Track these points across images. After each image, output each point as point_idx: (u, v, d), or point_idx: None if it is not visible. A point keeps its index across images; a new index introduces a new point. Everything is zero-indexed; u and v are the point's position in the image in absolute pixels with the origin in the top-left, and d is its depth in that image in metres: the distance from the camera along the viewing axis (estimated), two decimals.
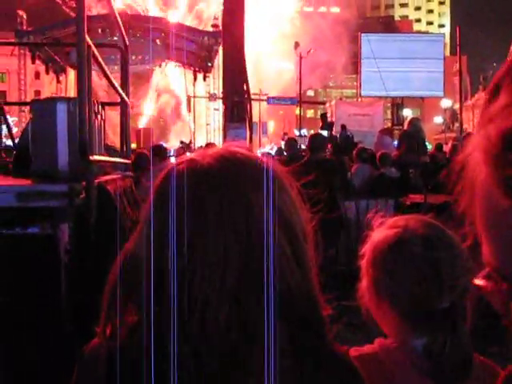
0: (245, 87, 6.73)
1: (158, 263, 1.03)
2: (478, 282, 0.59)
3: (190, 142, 26.47)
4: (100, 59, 3.60)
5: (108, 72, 3.92)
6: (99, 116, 4.00)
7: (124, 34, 5.00)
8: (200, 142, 33.20)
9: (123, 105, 5.24)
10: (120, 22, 4.80)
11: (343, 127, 12.89)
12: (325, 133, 13.54)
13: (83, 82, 3.02)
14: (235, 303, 0.98)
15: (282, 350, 0.98)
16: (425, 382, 1.51)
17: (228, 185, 1.02)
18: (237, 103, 6.39)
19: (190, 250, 0.99)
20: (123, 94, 4.88)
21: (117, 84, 4.67)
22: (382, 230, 1.62)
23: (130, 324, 1.10)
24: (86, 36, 2.97)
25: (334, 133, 15.05)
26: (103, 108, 4.65)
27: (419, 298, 1.52)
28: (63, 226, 3.20)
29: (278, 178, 1.09)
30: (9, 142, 9.77)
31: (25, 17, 29.41)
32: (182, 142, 23.59)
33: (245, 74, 6.85)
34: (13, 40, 24.87)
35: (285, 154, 11.30)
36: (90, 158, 3.26)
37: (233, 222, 1.00)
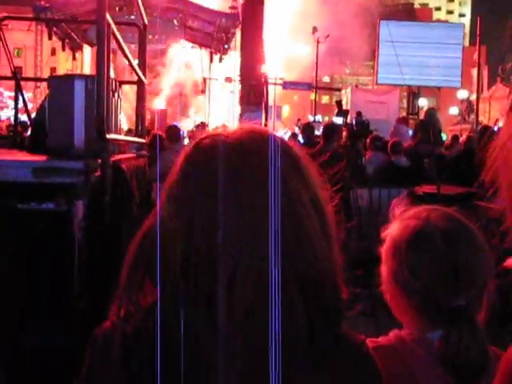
0: (262, 71, 6.72)
1: (186, 239, 1.01)
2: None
3: (204, 123, 26.45)
4: (119, 37, 3.59)
5: (127, 51, 3.92)
6: (116, 94, 4.00)
7: (143, 13, 4.98)
8: (215, 123, 33.19)
9: (140, 84, 5.23)
10: (139, 1, 4.78)
11: (359, 113, 12.81)
12: (340, 119, 13.47)
13: (102, 60, 3.02)
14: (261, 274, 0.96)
15: (297, 329, 0.98)
16: (444, 375, 1.51)
17: (262, 157, 1.01)
18: (253, 87, 6.37)
19: (222, 226, 0.97)
20: (140, 74, 4.87)
21: (134, 63, 4.67)
22: (404, 219, 1.62)
23: (147, 306, 1.06)
24: (107, 14, 2.96)
25: (348, 120, 14.97)
26: (120, 86, 4.65)
27: (436, 294, 1.53)
28: (78, 202, 3.22)
29: (302, 155, 1.09)
30: (24, 118, 9.81)
31: None
32: (198, 125, 23.60)
33: (263, 58, 6.82)
34: (30, 15, 24.83)
35: (300, 139, 11.26)
36: (106, 136, 3.27)
37: (268, 195, 0.98)
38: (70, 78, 3.67)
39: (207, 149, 1.04)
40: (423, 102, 40.63)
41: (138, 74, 4.85)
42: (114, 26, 3.29)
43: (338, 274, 1.08)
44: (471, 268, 1.51)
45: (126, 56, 4.02)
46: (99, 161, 3.37)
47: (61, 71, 60.40)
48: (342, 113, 15.56)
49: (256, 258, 0.95)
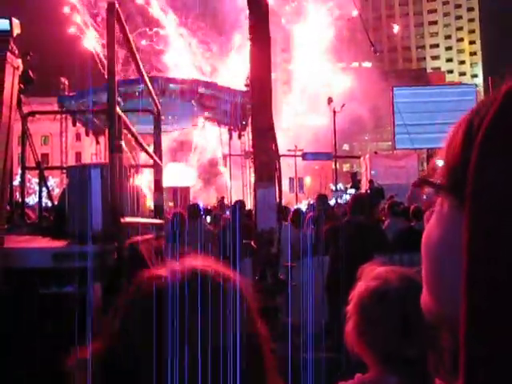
0: (273, 146, 6.92)
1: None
2: None
3: (223, 198, 26.78)
4: (131, 127, 3.82)
5: (140, 139, 4.15)
6: (131, 179, 4.21)
7: (156, 100, 5.26)
8: (235, 197, 33.56)
9: (156, 167, 5.47)
10: (152, 89, 5.07)
11: (371, 182, 12.95)
12: (353, 190, 13.62)
13: (114, 150, 3.23)
14: None
15: None
16: None
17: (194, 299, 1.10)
18: (266, 162, 6.53)
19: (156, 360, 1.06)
20: (155, 157, 5.10)
21: (148, 148, 4.90)
22: (368, 279, 1.84)
23: None
24: (118, 109, 3.19)
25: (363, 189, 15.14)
26: (138, 170, 4.89)
27: (391, 345, 1.73)
28: (96, 285, 3.36)
29: (242, 294, 1.16)
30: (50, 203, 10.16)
31: (66, 83, 30.80)
32: (219, 200, 23.94)
33: (273, 132, 7.05)
34: (55, 105, 26.00)
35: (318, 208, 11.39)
36: (122, 220, 3.44)
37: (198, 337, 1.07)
38: (86, 168, 3.90)
39: (146, 293, 1.15)
40: (443, 163, 40.59)
41: (153, 158, 5.09)
42: (125, 118, 3.51)
43: None
44: (422, 323, 1.64)
45: (139, 144, 4.25)
46: (116, 244, 3.53)
47: (86, 155, 62.14)
48: (356, 184, 15.80)
49: None
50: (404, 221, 9.46)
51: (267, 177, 6.55)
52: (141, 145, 4.35)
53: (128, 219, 3.81)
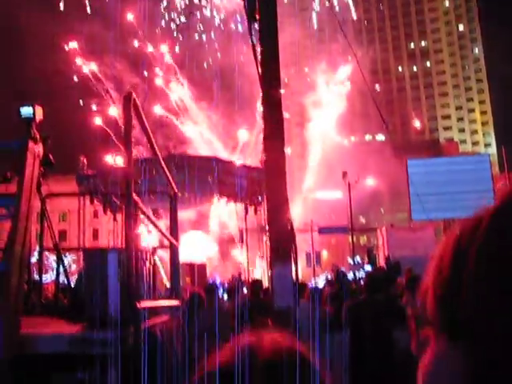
0: (289, 223, 6.96)
1: None
2: None
3: (240, 274, 26.65)
4: (146, 210, 3.89)
5: (155, 221, 4.20)
6: (148, 263, 4.24)
7: (173, 183, 5.36)
8: (253, 274, 33.40)
9: (173, 248, 5.50)
10: (168, 174, 5.18)
11: (387, 258, 12.85)
12: (369, 267, 13.52)
13: (130, 236, 3.28)
14: None
15: None
16: None
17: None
18: (281, 239, 6.54)
19: None
20: (172, 239, 5.14)
21: (164, 230, 4.96)
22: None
23: None
24: (134, 195, 3.26)
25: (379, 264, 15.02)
26: (155, 251, 4.92)
27: None
28: (112, 370, 3.34)
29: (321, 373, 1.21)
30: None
31: (85, 161, 31.44)
32: (235, 277, 23.81)
33: (287, 208, 7.11)
34: (73, 183, 26.47)
35: (335, 284, 11.29)
36: (138, 305, 3.45)
37: None
38: (103, 252, 3.94)
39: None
40: None
41: (169, 240, 5.13)
42: (141, 205, 3.58)
43: None
44: None
45: (155, 226, 4.30)
46: (132, 329, 3.52)
47: (103, 232, 62.57)
48: (373, 260, 15.72)
49: None
50: None
51: (283, 255, 6.55)
52: (158, 228, 4.40)
53: (144, 303, 3.81)
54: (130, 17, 45.88)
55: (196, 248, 29.98)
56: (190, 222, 33.84)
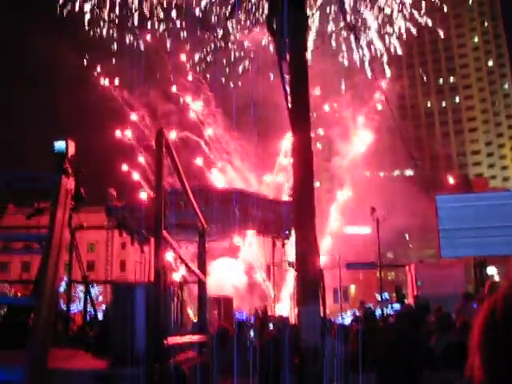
0: (316, 260, 6.90)
1: None
2: None
3: (266, 308, 26.45)
4: (176, 245, 3.91)
5: (184, 258, 4.22)
6: (175, 298, 4.24)
7: (202, 218, 5.38)
8: (279, 309, 33.04)
9: (200, 283, 5.50)
10: (196, 207, 5.21)
11: (416, 297, 12.64)
12: (398, 305, 13.31)
13: (159, 273, 3.29)
14: None
15: None
16: None
17: None
18: (309, 277, 6.48)
19: None
20: (200, 274, 5.15)
21: (193, 266, 4.96)
22: None
23: None
24: (164, 232, 3.28)
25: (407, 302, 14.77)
26: (183, 286, 4.92)
27: None
28: None
29: None
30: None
31: (115, 193, 31.78)
32: (263, 311, 23.63)
33: (316, 245, 7.05)
34: (102, 214, 26.74)
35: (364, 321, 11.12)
36: (165, 342, 3.44)
37: None
38: (131, 287, 3.95)
39: None
40: (492, 271, 39.52)
41: (197, 275, 5.13)
42: (170, 239, 3.59)
43: None
44: None
45: (183, 262, 4.31)
46: (159, 365, 3.50)
47: (130, 263, 62.92)
48: (401, 298, 15.49)
49: None
50: (452, 334, 9.13)
51: (311, 292, 6.49)
52: (185, 263, 4.41)
53: (171, 340, 3.80)
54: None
55: (225, 276, 29.87)
56: (221, 249, 33.89)
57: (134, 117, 45.00)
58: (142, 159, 44.76)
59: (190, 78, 47.66)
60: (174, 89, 48.31)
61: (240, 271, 39.95)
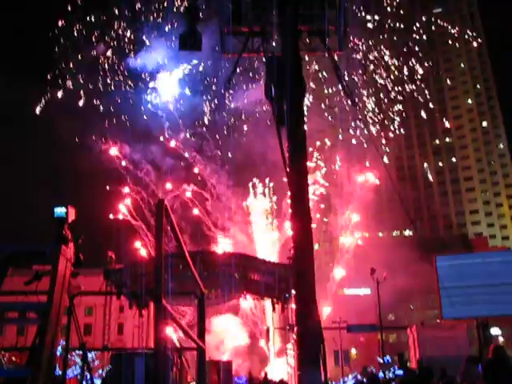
0: (318, 324, 6.83)
1: None
2: None
3: (266, 374, 25.98)
4: (174, 314, 3.89)
5: (184, 326, 4.19)
6: (174, 367, 4.19)
7: (200, 282, 5.38)
8: (279, 372, 32.45)
9: (200, 351, 5.45)
10: (195, 273, 5.21)
11: (419, 362, 12.44)
12: (401, 372, 13.13)
13: (159, 344, 3.27)
14: None
15: None
16: None
17: None
18: (310, 341, 6.39)
19: None
20: (199, 342, 5.10)
21: (193, 334, 4.92)
22: None
23: None
24: (163, 302, 3.28)
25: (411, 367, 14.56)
26: (183, 353, 4.87)
27: None
28: None
29: None
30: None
31: (113, 256, 31.72)
32: (264, 377, 23.25)
33: (316, 308, 7.01)
34: (101, 277, 26.58)
35: None
36: None
37: None
38: (130, 356, 3.92)
39: None
40: (496, 331, 38.95)
41: (196, 343, 5.09)
42: (171, 310, 3.59)
43: None
44: None
45: (184, 331, 4.29)
46: None
47: (128, 327, 61.98)
48: (404, 365, 15.32)
49: None
50: None
51: (312, 356, 6.40)
52: (185, 331, 4.38)
53: None
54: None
55: (226, 334, 29.41)
56: (222, 306, 33.53)
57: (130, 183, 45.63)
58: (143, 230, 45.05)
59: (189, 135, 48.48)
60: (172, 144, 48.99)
61: (240, 331, 39.44)
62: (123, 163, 46.77)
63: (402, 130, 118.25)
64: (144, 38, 53.45)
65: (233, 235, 47.67)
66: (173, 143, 47.63)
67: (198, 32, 10.75)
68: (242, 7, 10.41)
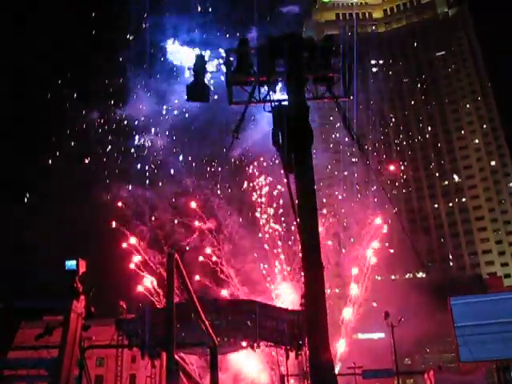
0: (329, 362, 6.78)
1: None
2: None
3: None
4: (188, 367, 3.86)
5: (196, 379, 4.15)
6: None
7: (213, 335, 5.34)
8: None
9: None
10: (207, 323, 5.17)
11: None
12: None
13: None
14: None
15: None
16: None
17: None
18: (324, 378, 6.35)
19: None
20: None
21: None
22: None
23: None
24: (176, 357, 3.26)
25: None
26: None
27: None
28: None
29: None
30: None
31: (125, 306, 31.64)
32: None
33: (329, 354, 6.93)
34: (113, 326, 26.40)
35: None
36: None
37: None
38: None
39: None
40: None
41: None
42: (182, 361, 3.56)
43: None
44: None
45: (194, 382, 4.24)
46: None
47: (140, 378, 60.95)
48: None
49: None
50: None
51: None
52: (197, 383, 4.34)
53: None
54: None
55: (244, 371, 28.76)
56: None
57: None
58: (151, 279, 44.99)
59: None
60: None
61: (258, 368, 38.80)
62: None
63: (410, 172, 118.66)
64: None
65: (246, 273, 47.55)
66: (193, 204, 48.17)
67: (205, 84, 10.90)
68: (248, 58, 10.59)
